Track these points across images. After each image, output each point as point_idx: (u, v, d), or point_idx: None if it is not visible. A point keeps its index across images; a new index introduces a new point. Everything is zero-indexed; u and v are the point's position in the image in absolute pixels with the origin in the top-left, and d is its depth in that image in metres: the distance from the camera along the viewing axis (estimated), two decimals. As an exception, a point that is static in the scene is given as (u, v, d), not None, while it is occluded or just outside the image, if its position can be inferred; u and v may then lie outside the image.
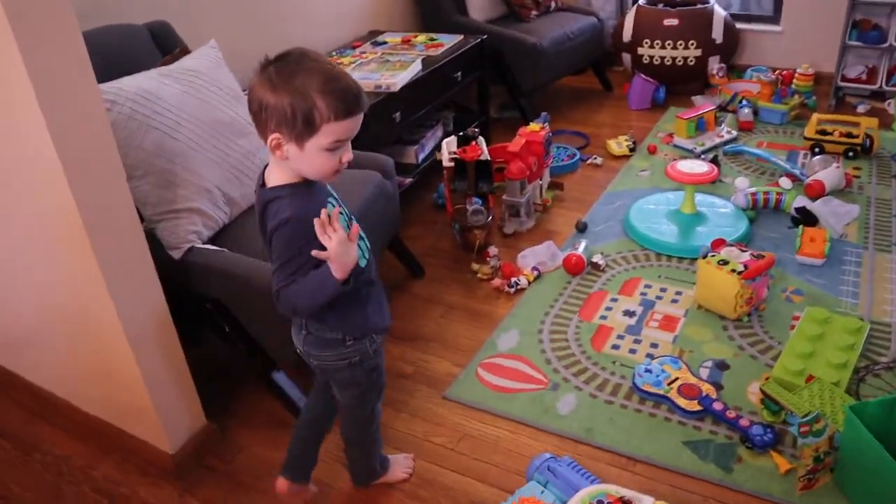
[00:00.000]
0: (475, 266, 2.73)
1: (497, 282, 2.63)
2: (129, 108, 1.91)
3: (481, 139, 2.90)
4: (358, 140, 2.67)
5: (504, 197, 2.96)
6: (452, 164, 2.81)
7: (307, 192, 1.35)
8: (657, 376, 2.13)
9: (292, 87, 1.22)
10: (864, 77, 3.98)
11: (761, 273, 2.31)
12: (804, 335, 2.23)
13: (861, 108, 3.97)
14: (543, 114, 3.22)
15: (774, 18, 4.39)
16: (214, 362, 2.29)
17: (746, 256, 2.35)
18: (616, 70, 4.74)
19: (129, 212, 1.70)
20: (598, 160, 3.55)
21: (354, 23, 3.77)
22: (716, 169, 2.78)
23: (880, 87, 3.89)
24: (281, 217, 1.30)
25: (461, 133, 2.89)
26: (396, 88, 2.87)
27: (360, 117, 1.30)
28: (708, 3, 4.21)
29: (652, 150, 3.61)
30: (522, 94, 3.91)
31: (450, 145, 2.94)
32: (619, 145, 3.64)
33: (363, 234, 1.48)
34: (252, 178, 2.16)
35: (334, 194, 1.46)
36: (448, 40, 3.51)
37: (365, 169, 2.40)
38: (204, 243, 2.00)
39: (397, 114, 2.91)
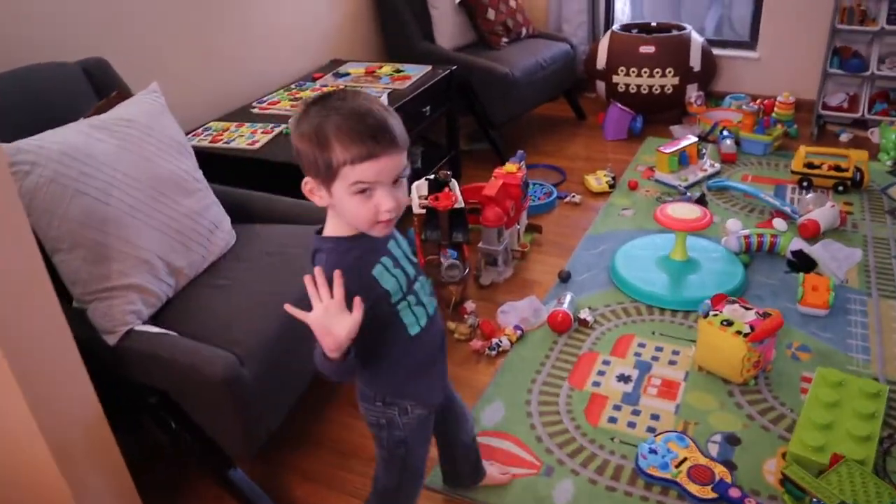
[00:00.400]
0: (451, 325, 2.48)
1: (477, 343, 2.38)
2: (51, 171, 1.63)
3: (454, 184, 2.66)
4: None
5: (480, 245, 2.72)
6: (423, 211, 2.56)
7: (351, 247, 1.23)
8: (663, 457, 1.89)
9: (314, 129, 1.13)
10: (845, 105, 3.85)
11: (769, 335, 2.10)
12: (819, 402, 2.02)
13: (844, 137, 3.83)
14: (520, 152, 2.99)
15: (751, 44, 4.25)
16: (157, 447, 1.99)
17: (752, 316, 2.14)
18: (588, 97, 4.56)
19: (45, 297, 1.41)
20: (577, 198, 3.34)
21: (315, 52, 3.52)
22: (709, 214, 2.57)
23: (862, 115, 3.76)
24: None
25: (433, 176, 2.64)
26: (361, 129, 2.61)
27: (392, 158, 1.15)
28: (684, 29, 4.05)
29: (633, 186, 3.41)
30: (493, 126, 3.69)
31: (420, 189, 2.70)
32: (598, 181, 3.43)
33: (423, 300, 1.33)
34: (199, 243, 1.89)
35: (395, 253, 1.28)
36: (415, 72, 3.27)
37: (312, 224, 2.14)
38: (145, 322, 1.71)
39: (362, 156, 2.65)
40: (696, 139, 3.54)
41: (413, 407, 1.41)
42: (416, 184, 2.71)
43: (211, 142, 2.58)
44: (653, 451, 1.91)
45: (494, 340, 2.37)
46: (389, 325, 1.28)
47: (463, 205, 2.57)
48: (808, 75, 3.95)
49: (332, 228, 1.25)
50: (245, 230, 2.11)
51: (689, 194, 3.16)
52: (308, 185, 1.20)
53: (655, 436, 1.98)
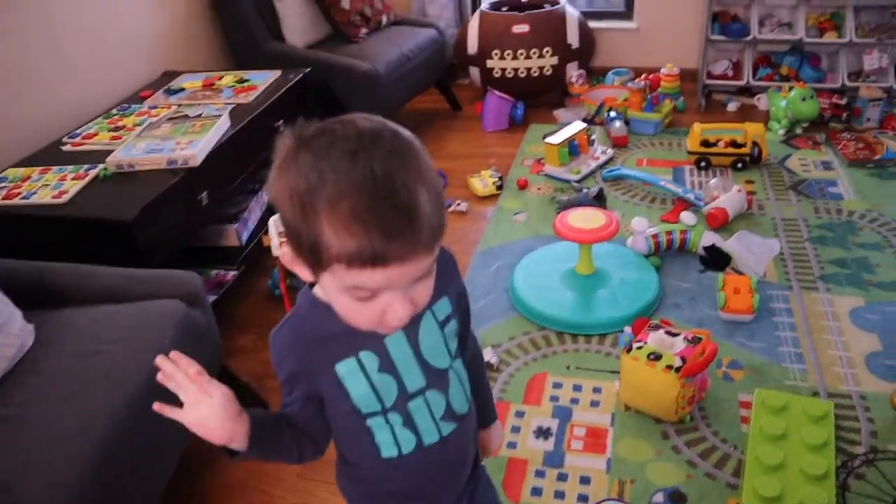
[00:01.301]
0: (335, 388, 2.07)
1: (367, 410, 1.98)
2: None
3: (320, 215, 2.23)
4: (148, 237, 1.91)
5: (360, 282, 2.31)
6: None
7: (322, 318, 0.84)
8: (602, 537, 1.58)
9: (300, 191, 0.72)
10: (729, 73, 3.66)
11: (704, 369, 1.81)
12: (764, 437, 1.76)
13: (731, 106, 3.65)
14: (393, 164, 2.59)
15: (627, 14, 4.00)
16: None
17: (681, 344, 1.84)
18: (461, 84, 4.20)
19: None
20: (463, 206, 2.98)
21: (141, 64, 2.97)
22: (614, 220, 2.27)
23: (747, 82, 3.58)
24: None
25: (293, 211, 2.21)
26: (198, 162, 2.14)
27: (410, 266, 0.73)
28: (558, 3, 3.74)
29: (522, 185, 3.08)
30: (362, 130, 3.26)
31: (279, 226, 2.26)
32: (483, 183, 3.08)
33: (417, 422, 0.92)
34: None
35: (390, 349, 0.89)
36: (262, 79, 2.81)
37: (158, 299, 1.68)
38: None
39: (203, 194, 2.19)
40: (583, 124, 3.25)
41: None
42: (273, 219, 2.27)
43: (4, 198, 2.05)
44: (590, 533, 1.59)
45: (387, 403, 1.98)
46: (354, 436, 0.94)
47: (332, 241, 2.15)
48: (689, 43, 3.75)
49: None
50: (48, 321, 1.63)
51: (584, 190, 2.86)
52: (285, 254, 0.80)
53: (590, 509, 1.66)
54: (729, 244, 2.40)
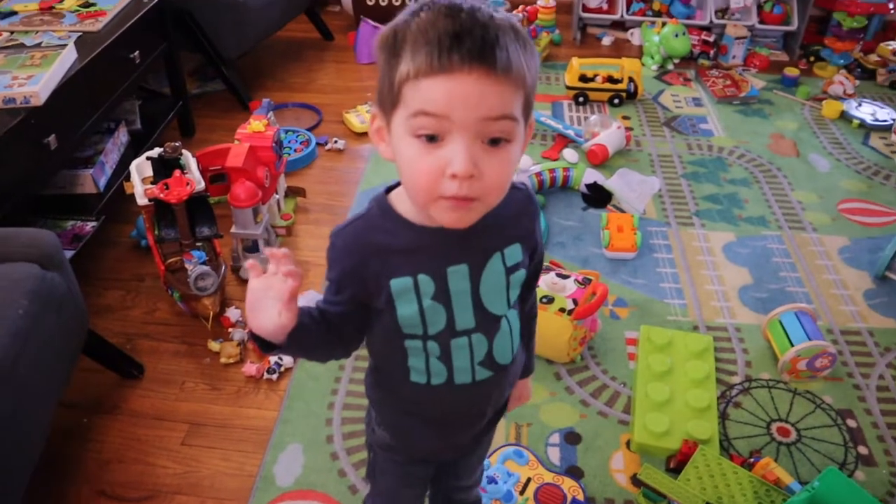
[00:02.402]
0: (213, 345, 1.94)
1: (251, 367, 1.87)
2: None
3: (188, 158, 2.04)
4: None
5: (233, 230, 2.15)
6: (150, 202, 1.94)
7: (390, 229, 0.87)
8: (504, 483, 1.58)
9: (395, 27, 0.78)
10: (604, 6, 3.65)
11: (596, 311, 1.82)
12: (651, 373, 1.82)
13: (605, 40, 3.66)
14: (266, 101, 2.41)
15: (502, -58, 3.89)
16: None
17: (572, 286, 1.84)
18: (332, 11, 3.99)
19: None
20: (340, 143, 2.83)
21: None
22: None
23: (621, 16, 3.59)
24: None
25: (158, 154, 2.00)
26: (41, 100, 1.88)
27: (480, 83, 0.73)
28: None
29: (402, 121, 2.97)
30: (226, 62, 3.02)
31: (141, 171, 2.06)
32: (360, 119, 2.94)
33: (454, 361, 0.93)
34: None
35: (451, 282, 0.88)
36: (111, 3, 2.49)
37: (6, 262, 1.48)
38: None
39: (50, 137, 1.93)
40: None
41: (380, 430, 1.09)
42: (135, 164, 2.06)
43: None
44: (492, 481, 1.58)
45: (273, 358, 1.88)
46: (389, 351, 0.95)
47: (203, 187, 1.98)
48: (562, -26, 3.69)
49: (399, 192, 0.88)
50: None
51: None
52: (375, 121, 0.84)
53: (489, 455, 1.65)
54: (611, 182, 2.42)
